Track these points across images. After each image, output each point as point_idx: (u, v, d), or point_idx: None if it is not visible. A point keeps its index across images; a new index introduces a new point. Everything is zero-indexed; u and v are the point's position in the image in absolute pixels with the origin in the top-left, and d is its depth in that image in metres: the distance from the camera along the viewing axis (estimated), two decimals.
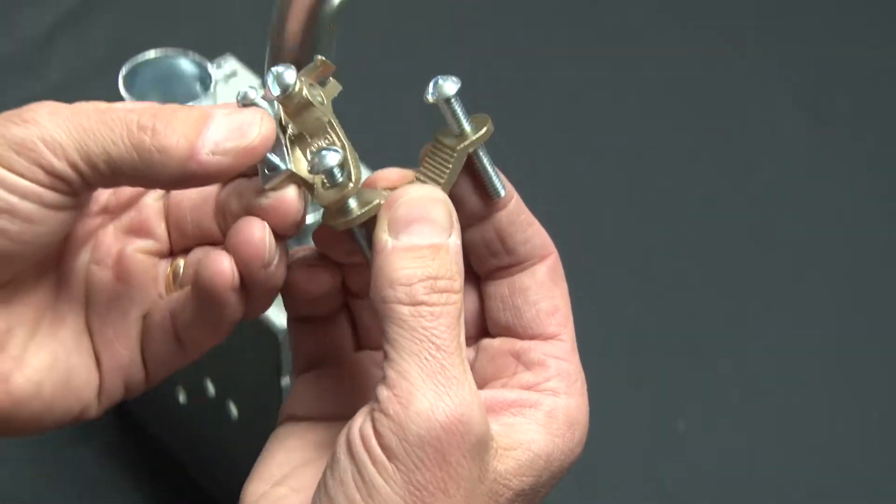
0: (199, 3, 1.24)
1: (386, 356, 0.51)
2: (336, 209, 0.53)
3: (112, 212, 0.59)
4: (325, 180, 0.53)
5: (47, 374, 0.56)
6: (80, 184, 0.53)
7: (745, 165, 1.16)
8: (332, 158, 0.52)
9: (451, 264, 0.52)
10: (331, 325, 0.58)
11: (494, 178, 0.55)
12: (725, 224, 1.12)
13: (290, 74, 0.53)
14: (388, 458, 0.50)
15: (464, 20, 1.28)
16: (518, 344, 0.56)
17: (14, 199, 0.52)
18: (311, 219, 0.68)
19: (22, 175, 0.52)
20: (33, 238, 0.53)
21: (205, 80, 0.78)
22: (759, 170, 1.15)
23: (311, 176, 0.54)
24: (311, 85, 0.54)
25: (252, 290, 0.55)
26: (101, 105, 0.53)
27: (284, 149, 0.54)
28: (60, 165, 0.52)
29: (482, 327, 0.58)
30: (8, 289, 0.55)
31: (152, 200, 0.59)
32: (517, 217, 0.56)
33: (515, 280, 0.57)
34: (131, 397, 0.59)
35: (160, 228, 0.59)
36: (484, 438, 0.50)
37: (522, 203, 0.56)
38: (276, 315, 0.76)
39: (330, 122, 0.54)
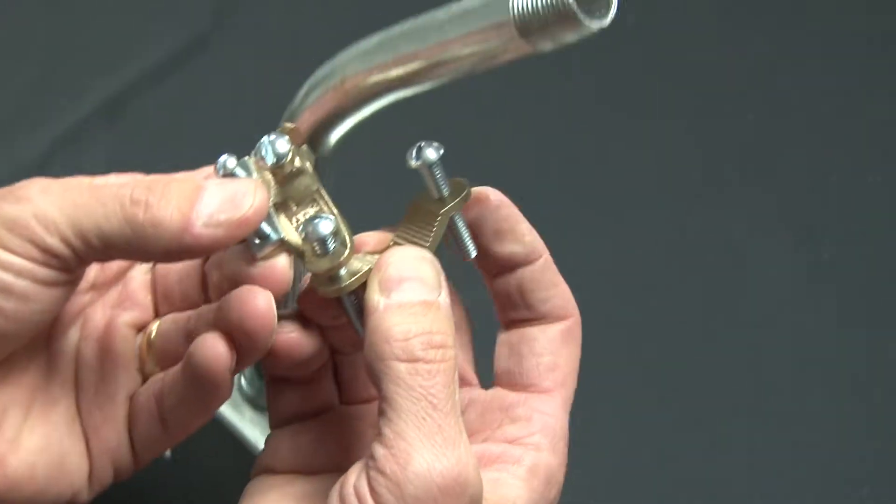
0: (197, 123, 1.20)
1: (382, 414, 0.51)
2: (326, 277, 0.53)
3: (100, 288, 0.59)
4: (317, 248, 0.53)
5: (41, 457, 0.56)
6: (73, 259, 0.53)
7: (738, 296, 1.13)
8: (325, 227, 0.53)
9: (444, 320, 0.52)
10: (312, 383, 0.58)
11: (467, 240, 0.55)
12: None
13: (283, 143, 0.53)
14: None
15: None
16: (508, 398, 0.57)
17: (9, 278, 0.52)
18: None
19: (16, 253, 0.52)
20: (29, 316, 0.53)
21: None
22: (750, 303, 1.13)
23: (300, 244, 0.54)
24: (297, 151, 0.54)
25: (242, 362, 0.55)
26: (93, 180, 0.54)
27: (272, 217, 0.54)
28: (53, 242, 0.52)
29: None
30: (1, 369, 0.55)
31: (139, 274, 0.59)
32: (542, 275, 0.57)
33: (527, 331, 0.57)
34: (120, 481, 0.58)
35: (146, 300, 0.59)
36: (478, 498, 0.51)
37: (552, 263, 0.57)
38: None
39: (318, 190, 0.55)
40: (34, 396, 0.57)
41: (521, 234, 0.56)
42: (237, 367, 0.55)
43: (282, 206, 0.55)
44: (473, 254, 0.56)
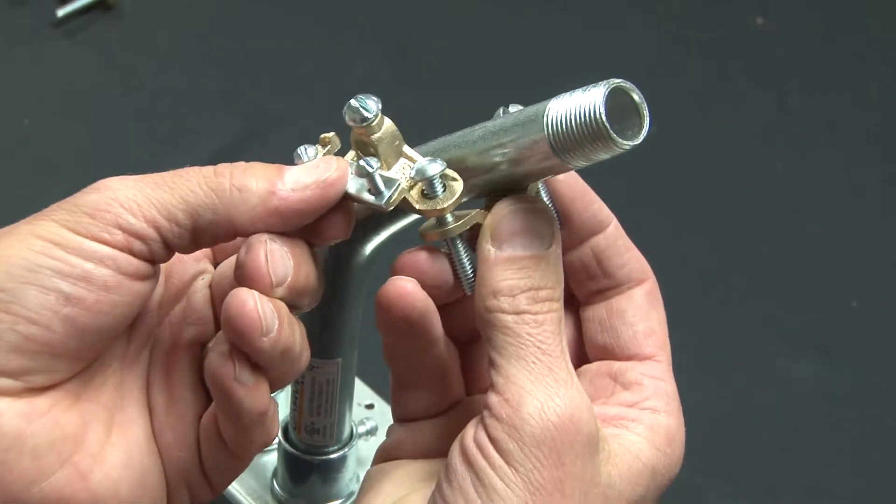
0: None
1: (493, 363, 0.51)
2: (435, 220, 0.53)
3: (165, 307, 0.57)
4: (426, 189, 0.53)
5: (124, 473, 0.54)
6: (158, 243, 0.52)
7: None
8: (433, 168, 0.52)
9: (552, 274, 0.52)
10: (441, 382, 0.57)
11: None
12: None
13: (372, 103, 0.53)
14: (507, 461, 0.50)
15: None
16: (615, 365, 0.56)
17: (90, 266, 0.51)
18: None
19: (99, 240, 0.51)
20: (109, 308, 0.52)
21: None
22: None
23: (408, 188, 0.53)
24: None
25: (264, 365, 0.53)
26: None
27: (377, 176, 0.53)
28: (139, 224, 0.51)
29: (580, 354, 0.57)
30: (79, 382, 0.54)
31: (201, 288, 0.57)
32: (615, 241, 0.56)
33: (613, 303, 0.56)
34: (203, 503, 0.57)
35: (208, 313, 0.57)
36: (594, 438, 0.50)
37: (621, 228, 0.56)
38: None
39: (404, 149, 0.54)
40: (113, 415, 0.55)
41: (591, 202, 0.56)
42: (275, 382, 0.54)
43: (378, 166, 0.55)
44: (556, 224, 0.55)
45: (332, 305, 0.63)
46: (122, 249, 0.51)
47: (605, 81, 0.49)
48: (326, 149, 0.55)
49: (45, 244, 0.51)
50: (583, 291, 0.57)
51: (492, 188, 0.53)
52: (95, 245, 0.51)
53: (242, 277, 0.52)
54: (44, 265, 0.51)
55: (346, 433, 0.71)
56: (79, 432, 0.53)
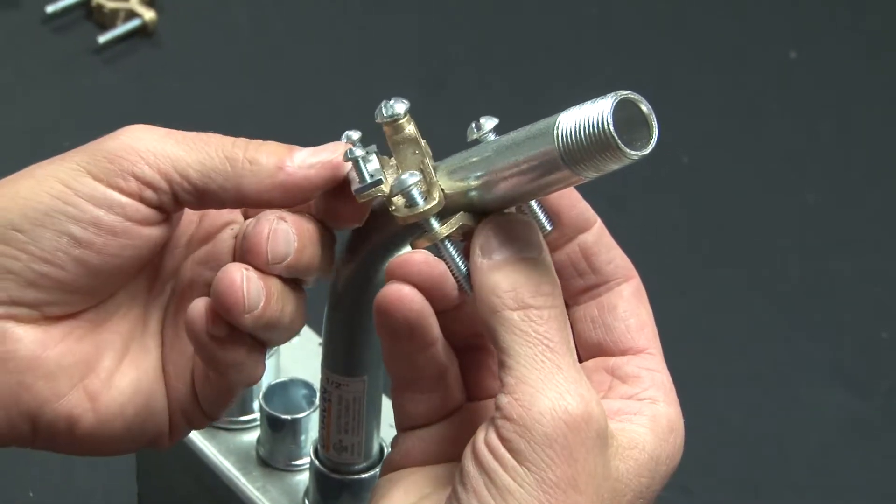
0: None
1: (501, 365, 0.52)
2: (420, 229, 0.55)
3: (194, 246, 0.61)
4: (405, 199, 0.55)
5: (131, 398, 0.59)
6: (168, 195, 0.56)
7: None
8: (410, 179, 0.54)
9: (549, 275, 0.53)
10: (441, 389, 0.58)
11: (542, 216, 0.57)
12: None
13: (401, 105, 0.56)
14: (519, 461, 0.50)
15: None
16: (611, 361, 0.57)
17: (100, 213, 0.55)
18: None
19: (112, 185, 0.55)
20: (118, 251, 0.56)
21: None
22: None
23: (391, 195, 0.56)
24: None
25: (224, 326, 0.56)
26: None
27: (377, 165, 0.56)
28: (152, 174, 0.55)
29: None
30: (99, 312, 0.58)
31: (228, 237, 0.60)
32: (601, 238, 0.58)
33: (604, 300, 0.58)
34: (198, 429, 0.62)
35: (229, 260, 0.59)
36: (604, 433, 0.51)
37: (605, 228, 0.58)
38: None
39: (424, 160, 0.56)
40: (129, 344, 0.59)
41: (577, 200, 0.57)
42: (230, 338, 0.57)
43: (391, 168, 0.57)
44: (549, 228, 0.57)
45: (354, 323, 0.64)
46: (132, 197, 0.56)
47: (613, 93, 0.50)
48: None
49: (62, 189, 0.55)
50: (572, 291, 0.58)
51: (506, 202, 0.54)
52: (108, 191, 0.55)
53: (243, 250, 0.57)
54: (58, 210, 0.55)
55: (375, 451, 0.72)
56: (91, 359, 0.58)
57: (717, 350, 1.15)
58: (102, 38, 1.34)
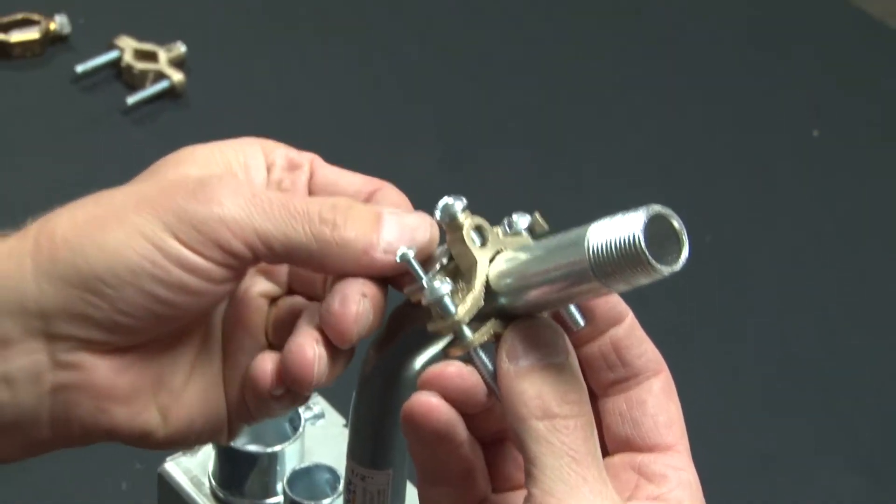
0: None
1: (528, 474, 0.52)
2: (453, 337, 0.55)
3: None
4: (438, 309, 0.55)
5: (198, 409, 0.61)
6: (251, 261, 0.57)
7: None
8: (443, 289, 0.55)
9: (575, 380, 0.54)
10: (467, 480, 0.58)
11: (575, 311, 0.56)
12: None
13: (459, 205, 0.56)
14: None
15: None
16: (638, 458, 0.57)
17: (187, 277, 0.56)
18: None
19: (199, 252, 0.56)
20: (196, 308, 0.58)
21: (294, 421, 0.81)
22: None
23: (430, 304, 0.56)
24: (478, 230, 0.56)
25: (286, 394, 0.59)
26: (282, 194, 0.58)
27: (432, 270, 0.56)
28: (238, 245, 0.56)
29: (601, 445, 0.58)
30: (171, 336, 0.60)
31: None
32: (632, 332, 0.58)
33: (633, 394, 0.58)
34: (255, 423, 0.64)
35: (283, 274, 0.62)
36: None
37: (637, 322, 0.58)
38: None
39: (473, 269, 0.55)
40: (197, 357, 0.61)
41: (609, 295, 0.57)
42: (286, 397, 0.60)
43: (451, 271, 0.57)
44: (582, 323, 0.57)
45: (382, 418, 0.65)
46: (217, 263, 0.57)
47: (645, 207, 0.50)
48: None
49: (150, 249, 0.56)
50: (601, 383, 0.58)
51: (534, 309, 0.55)
52: (195, 258, 0.56)
53: (326, 324, 0.58)
54: (146, 271, 0.56)
55: None
56: (163, 377, 0.60)
57: (731, 429, 1.15)
58: (131, 99, 1.35)
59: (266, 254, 0.57)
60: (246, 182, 0.59)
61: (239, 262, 0.57)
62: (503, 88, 1.45)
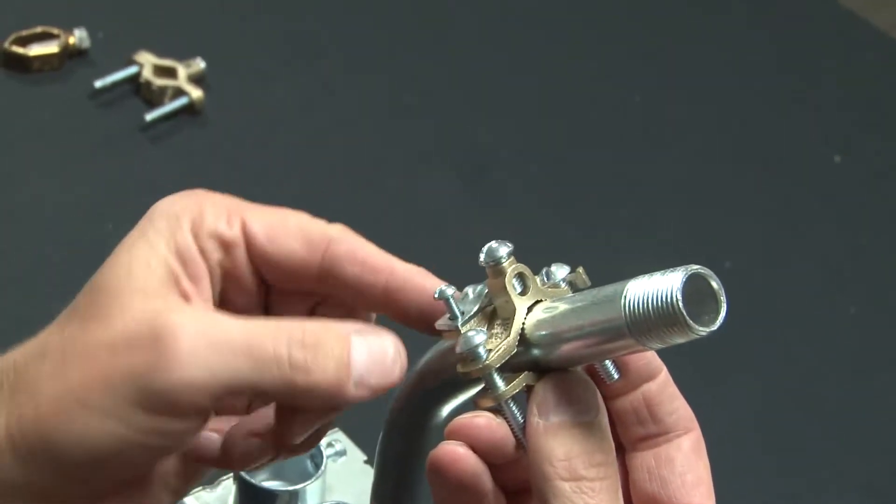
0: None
1: None
2: (484, 387, 0.55)
3: None
4: (469, 356, 0.54)
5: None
6: (217, 409, 0.55)
7: None
8: (477, 338, 0.54)
9: (604, 441, 0.53)
10: None
11: (610, 365, 0.57)
12: None
13: (504, 249, 0.55)
14: None
15: None
16: None
17: (154, 439, 0.54)
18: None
19: (166, 415, 0.53)
20: (160, 455, 0.56)
21: (316, 458, 0.81)
22: None
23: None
24: (520, 277, 0.56)
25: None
26: (246, 328, 0.54)
27: (451, 301, 0.56)
28: (205, 401, 0.53)
29: (626, 500, 0.58)
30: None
31: None
32: (665, 388, 0.58)
33: (661, 451, 0.58)
34: None
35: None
36: None
37: (670, 378, 0.58)
38: None
39: (512, 318, 0.55)
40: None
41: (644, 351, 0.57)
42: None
43: (488, 314, 0.57)
44: (616, 377, 0.57)
45: (406, 464, 0.65)
46: (187, 421, 0.54)
47: (683, 267, 0.50)
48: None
49: (118, 428, 0.53)
50: (630, 437, 0.58)
51: (568, 363, 0.54)
52: (162, 422, 0.53)
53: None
54: (116, 452, 0.54)
55: None
56: None
57: (750, 466, 1.15)
58: (150, 116, 1.34)
59: (234, 400, 0.57)
60: (200, 317, 0.54)
61: (207, 414, 0.55)
62: (526, 117, 1.44)
